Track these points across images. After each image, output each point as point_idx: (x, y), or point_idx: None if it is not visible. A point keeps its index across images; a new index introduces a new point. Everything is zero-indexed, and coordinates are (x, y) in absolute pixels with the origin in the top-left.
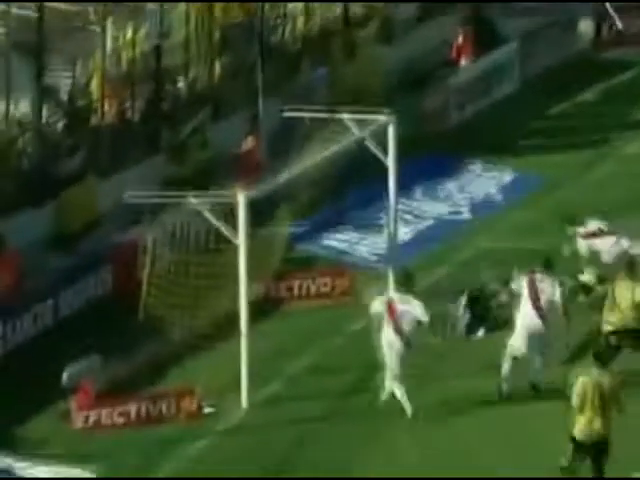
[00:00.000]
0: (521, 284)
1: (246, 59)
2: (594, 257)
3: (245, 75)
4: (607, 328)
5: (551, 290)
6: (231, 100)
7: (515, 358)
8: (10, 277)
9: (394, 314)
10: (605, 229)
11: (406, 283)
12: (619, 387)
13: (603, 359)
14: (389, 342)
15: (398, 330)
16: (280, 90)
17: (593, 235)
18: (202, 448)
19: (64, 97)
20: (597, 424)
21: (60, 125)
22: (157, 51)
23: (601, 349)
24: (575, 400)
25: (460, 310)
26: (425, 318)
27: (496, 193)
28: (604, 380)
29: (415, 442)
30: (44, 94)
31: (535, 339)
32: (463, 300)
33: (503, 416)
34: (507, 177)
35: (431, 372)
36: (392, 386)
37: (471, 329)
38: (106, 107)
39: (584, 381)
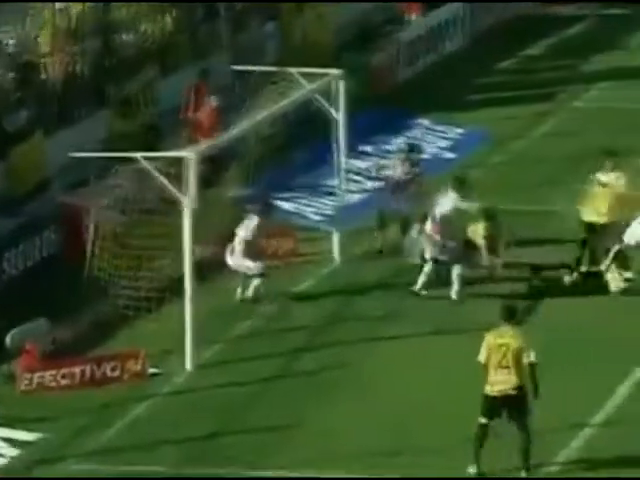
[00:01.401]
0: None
1: (194, 14)
2: None
3: (193, 30)
4: None
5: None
6: (179, 55)
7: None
8: None
9: None
10: None
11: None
12: (526, 343)
13: (513, 318)
14: None
15: None
16: (229, 45)
17: None
18: (147, 409)
19: (13, 51)
20: (508, 379)
21: (8, 79)
22: (105, 5)
23: (509, 306)
24: (483, 357)
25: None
26: None
27: (446, 149)
28: (512, 336)
29: (364, 399)
30: None
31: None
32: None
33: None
34: (456, 132)
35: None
36: None
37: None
38: (55, 62)
39: (490, 339)
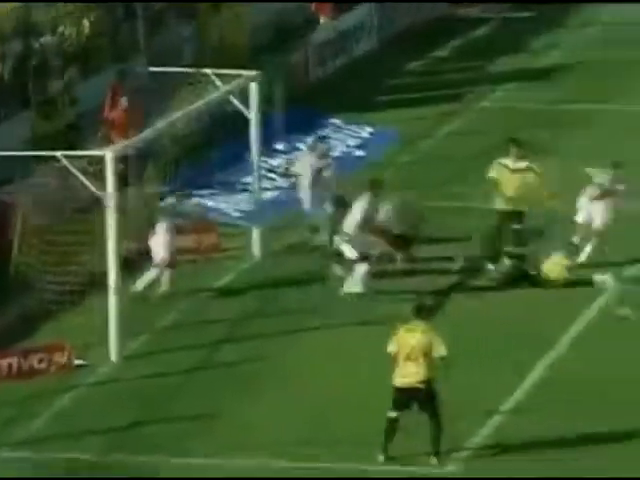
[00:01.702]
0: None
1: (113, 17)
2: None
3: (112, 32)
4: None
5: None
6: (99, 57)
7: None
8: None
9: None
10: None
11: None
12: (436, 337)
13: (423, 312)
14: None
15: None
16: (147, 46)
17: None
18: (73, 400)
19: None
20: (416, 372)
21: None
22: (26, 8)
23: (420, 302)
24: (394, 347)
25: None
26: None
27: (356, 147)
28: (422, 331)
29: (284, 390)
30: None
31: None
32: None
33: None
34: (366, 131)
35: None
36: None
37: None
38: None
39: (400, 332)
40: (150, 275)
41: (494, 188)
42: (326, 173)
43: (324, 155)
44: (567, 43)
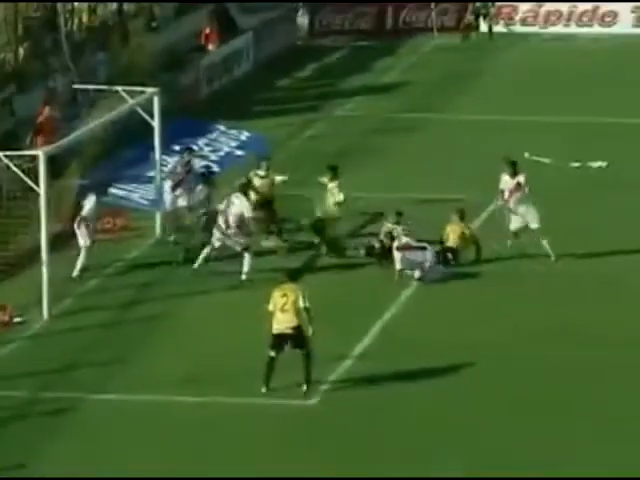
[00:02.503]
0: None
1: (44, 44)
2: None
3: (43, 57)
4: None
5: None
6: (32, 77)
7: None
8: None
9: None
10: None
11: None
12: (300, 293)
13: (292, 275)
14: None
15: None
16: (70, 69)
17: None
18: (13, 350)
19: None
20: (289, 319)
21: None
22: None
23: (292, 269)
24: (271, 306)
25: None
26: None
27: (236, 148)
28: (292, 289)
29: (182, 339)
30: None
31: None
32: None
33: None
34: (244, 135)
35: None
36: None
37: None
38: None
39: (275, 292)
40: (80, 260)
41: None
42: (190, 177)
43: (187, 163)
44: (401, 65)
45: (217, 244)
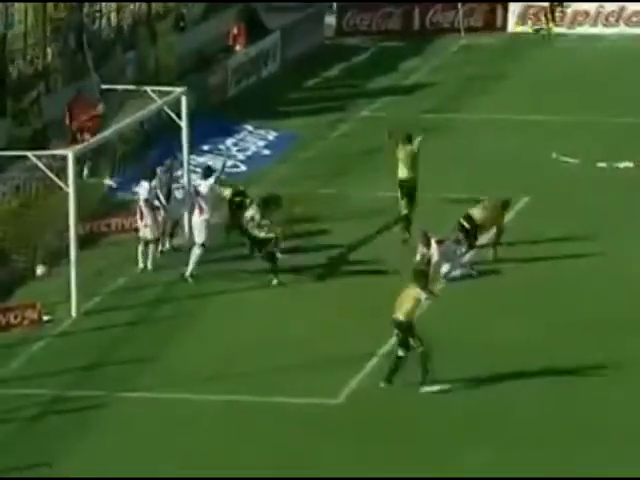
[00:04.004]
0: None
1: (72, 45)
2: None
3: (71, 57)
4: None
5: None
6: (60, 77)
7: None
8: None
9: None
10: None
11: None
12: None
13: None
14: None
15: None
16: (99, 69)
17: None
18: (42, 347)
19: None
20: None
21: None
22: (3, 38)
23: None
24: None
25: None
26: None
27: (263, 148)
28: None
29: (203, 337)
30: None
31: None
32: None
33: None
34: (272, 135)
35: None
36: None
37: None
38: None
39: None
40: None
41: None
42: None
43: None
44: (427, 66)
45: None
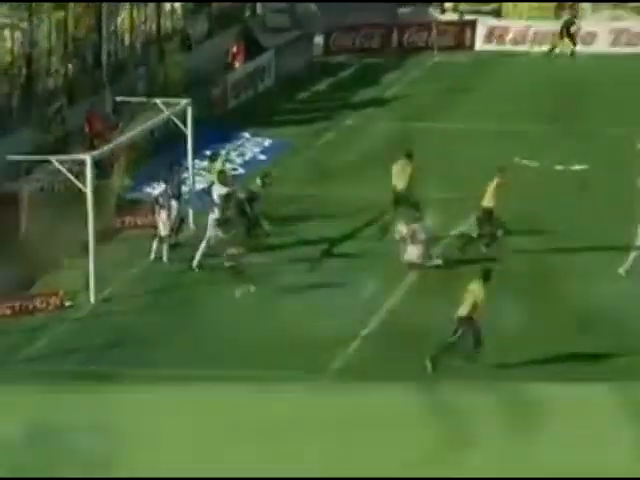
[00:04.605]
0: None
1: (90, 62)
2: None
3: (90, 73)
4: None
5: None
6: (80, 91)
7: None
8: None
9: None
10: None
11: None
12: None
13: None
14: None
15: None
16: (114, 83)
17: None
18: (64, 330)
19: None
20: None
21: None
22: (29, 55)
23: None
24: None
25: None
26: None
27: (260, 153)
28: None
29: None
30: None
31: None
32: None
33: None
34: (267, 142)
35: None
36: None
37: None
38: None
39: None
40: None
41: None
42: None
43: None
44: (404, 80)
45: None
